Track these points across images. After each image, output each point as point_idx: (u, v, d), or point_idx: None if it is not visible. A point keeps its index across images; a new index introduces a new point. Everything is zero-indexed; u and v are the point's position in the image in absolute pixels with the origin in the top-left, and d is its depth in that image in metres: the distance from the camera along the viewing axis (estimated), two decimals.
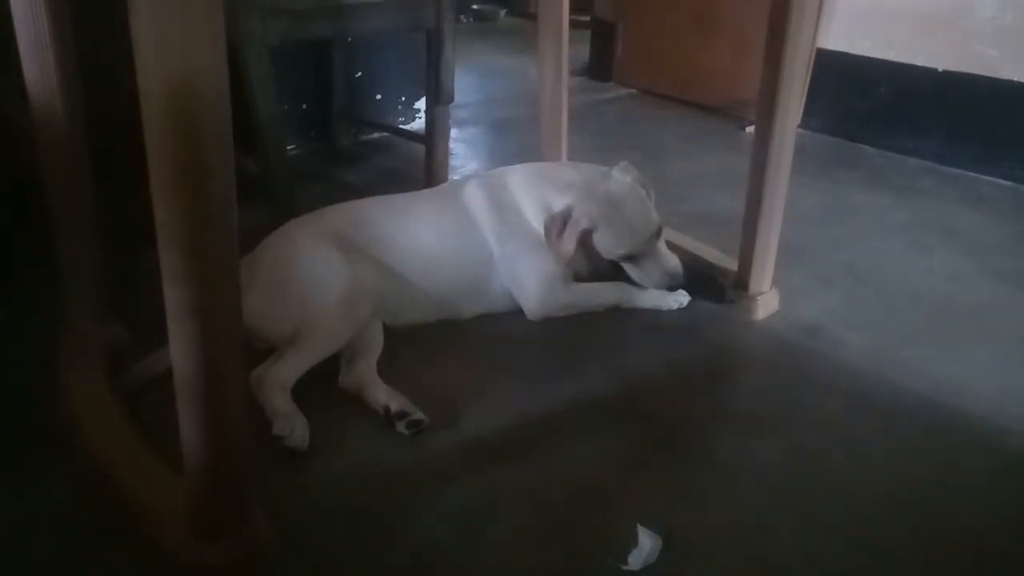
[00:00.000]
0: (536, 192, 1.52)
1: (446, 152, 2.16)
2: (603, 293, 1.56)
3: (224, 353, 0.81)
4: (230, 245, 0.77)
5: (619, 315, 1.57)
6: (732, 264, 1.59)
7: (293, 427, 1.14)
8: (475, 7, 5.14)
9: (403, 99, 2.69)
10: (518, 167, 1.61)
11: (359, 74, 2.50)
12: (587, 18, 3.64)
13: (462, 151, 2.57)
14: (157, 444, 1.05)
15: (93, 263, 1.23)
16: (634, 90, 3.45)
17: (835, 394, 1.35)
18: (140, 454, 1.05)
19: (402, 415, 1.20)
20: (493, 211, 1.50)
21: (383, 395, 1.24)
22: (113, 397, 1.16)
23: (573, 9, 1.83)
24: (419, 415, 1.20)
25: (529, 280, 1.49)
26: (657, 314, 1.58)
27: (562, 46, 1.86)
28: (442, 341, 1.47)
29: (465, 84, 3.13)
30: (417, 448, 1.18)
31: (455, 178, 2.14)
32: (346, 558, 0.98)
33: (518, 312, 1.53)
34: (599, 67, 3.60)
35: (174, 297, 0.76)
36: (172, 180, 0.70)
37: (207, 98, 0.68)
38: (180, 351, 0.79)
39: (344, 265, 1.35)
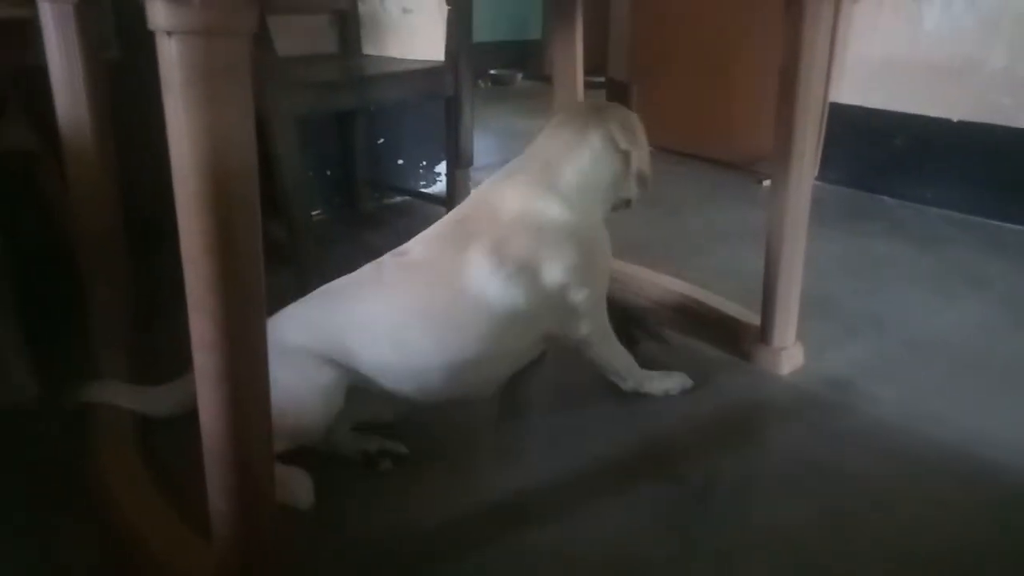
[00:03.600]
0: None
1: None
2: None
3: (251, 420, 0.82)
4: (258, 312, 0.79)
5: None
6: (755, 319, 1.59)
7: (291, 490, 1.12)
8: (492, 72, 5.30)
9: (424, 163, 2.76)
10: None
11: (381, 140, 2.57)
12: (601, 79, 3.73)
13: None
14: (187, 509, 1.05)
15: (125, 331, 1.27)
16: (651, 148, 3.50)
17: (866, 450, 1.32)
18: (169, 520, 1.05)
19: (383, 453, 1.20)
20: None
21: (353, 442, 1.24)
22: (143, 463, 1.17)
23: (587, 71, 1.89)
24: (400, 448, 1.21)
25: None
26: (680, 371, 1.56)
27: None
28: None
29: (484, 146, 3.20)
30: (443, 510, 1.17)
31: None
32: None
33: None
34: None
35: (203, 364, 0.78)
36: (200, 249, 0.73)
37: (236, 173, 0.72)
38: (209, 416, 0.80)
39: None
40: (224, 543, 0.86)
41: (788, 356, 1.55)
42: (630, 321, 1.72)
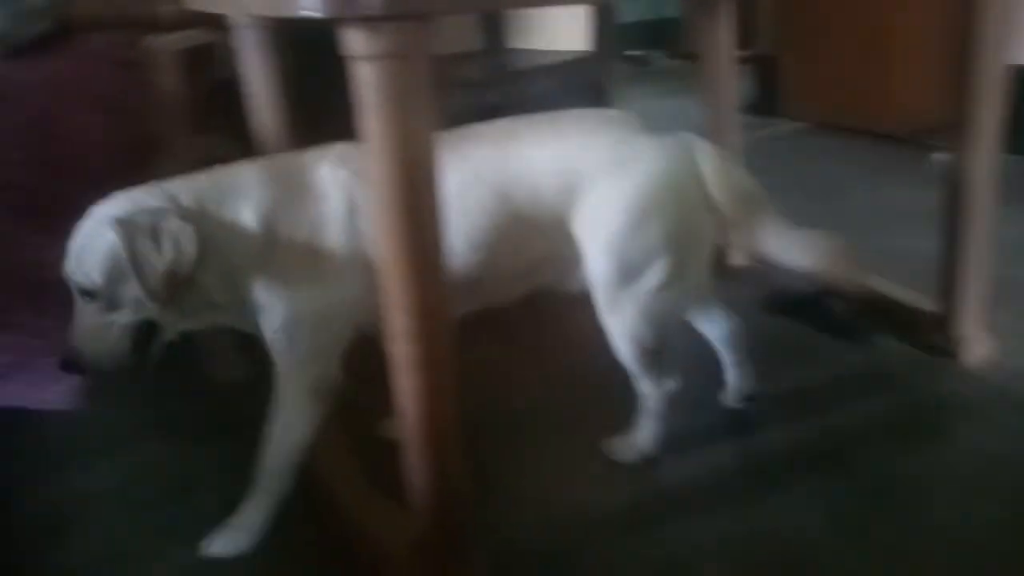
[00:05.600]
0: None
1: None
2: None
3: (443, 403, 0.89)
4: (444, 307, 0.86)
5: (808, 360, 1.51)
6: (929, 305, 1.49)
7: None
8: (632, 52, 5.23)
9: None
10: None
11: None
12: (746, 53, 3.58)
13: None
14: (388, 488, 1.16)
15: None
16: (804, 124, 3.33)
17: None
18: (368, 492, 1.16)
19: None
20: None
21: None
22: (341, 439, 1.29)
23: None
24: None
25: None
26: (854, 361, 1.49)
27: (726, 84, 1.86)
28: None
29: None
30: (619, 495, 1.21)
31: None
32: None
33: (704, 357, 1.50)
34: (763, 103, 3.52)
35: (399, 353, 0.86)
36: (395, 251, 0.81)
37: (422, 181, 0.79)
38: (405, 402, 0.88)
39: None
40: (421, 514, 0.94)
41: (972, 346, 1.44)
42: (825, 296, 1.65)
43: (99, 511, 1.25)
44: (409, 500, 0.95)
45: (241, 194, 1.04)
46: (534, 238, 1.10)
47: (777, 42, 3.37)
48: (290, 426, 1.11)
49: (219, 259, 1.03)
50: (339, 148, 1.10)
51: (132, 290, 0.98)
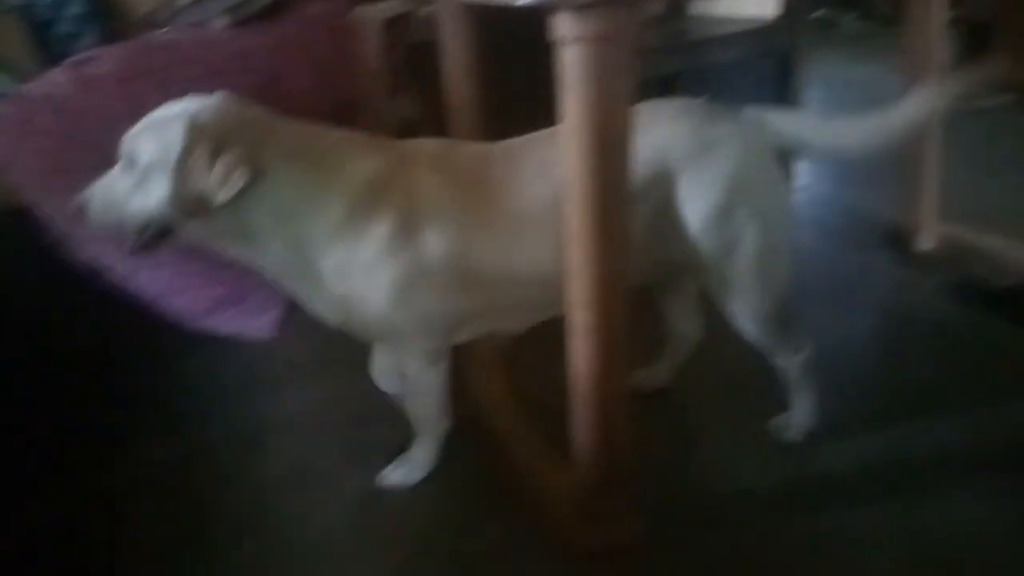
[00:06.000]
0: None
1: (792, 172, 2.13)
2: None
3: (614, 366, 0.95)
4: (621, 279, 0.90)
5: (996, 356, 1.43)
6: None
7: None
8: (818, 14, 4.88)
9: None
10: None
11: (704, 97, 2.56)
12: (953, 15, 3.24)
13: (810, 170, 2.48)
14: (544, 433, 1.25)
15: None
16: (1011, 96, 2.98)
17: None
18: (533, 442, 1.26)
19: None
20: None
21: None
22: (508, 391, 1.39)
23: None
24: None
25: None
26: None
27: (933, 51, 1.73)
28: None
29: (808, 98, 3.01)
30: (776, 473, 1.22)
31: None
32: (703, 564, 1.07)
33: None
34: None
35: (577, 319, 0.92)
36: (581, 224, 0.86)
37: (616, 159, 0.83)
38: (579, 361, 0.95)
39: None
40: (583, 467, 1.02)
41: None
42: None
43: (289, 433, 1.42)
44: (575, 455, 1.02)
45: (343, 170, 1.05)
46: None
47: (989, 4, 3.02)
48: (416, 384, 1.21)
49: (287, 212, 1.03)
50: (435, 147, 1.13)
51: (162, 187, 0.98)
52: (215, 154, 0.96)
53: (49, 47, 1.79)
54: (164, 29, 1.44)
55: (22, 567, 1.16)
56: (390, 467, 1.28)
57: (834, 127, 1.15)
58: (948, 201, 1.87)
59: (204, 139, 0.97)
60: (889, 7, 4.46)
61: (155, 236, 1.04)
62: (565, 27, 0.75)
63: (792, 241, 1.15)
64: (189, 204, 0.98)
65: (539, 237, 1.08)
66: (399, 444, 1.28)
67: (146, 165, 0.99)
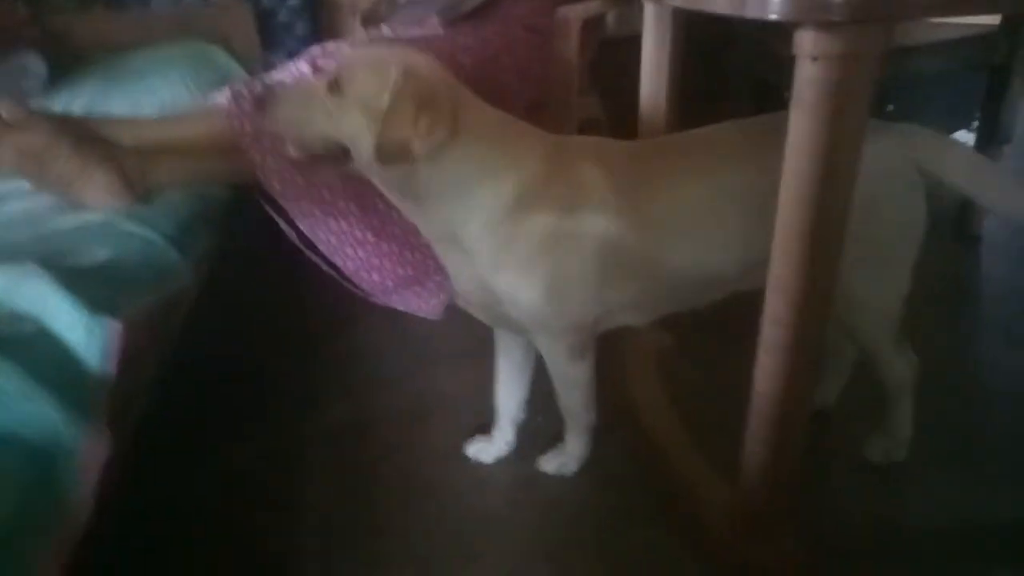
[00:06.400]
0: None
1: None
2: None
3: (800, 387, 0.93)
4: (827, 300, 0.88)
5: None
6: None
7: None
8: None
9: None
10: None
11: (890, 107, 2.42)
12: None
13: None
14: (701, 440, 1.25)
15: None
16: None
17: None
18: (689, 448, 1.26)
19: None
20: None
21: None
22: (665, 394, 1.40)
23: None
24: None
25: None
26: None
27: None
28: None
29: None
30: (932, 516, 1.17)
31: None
32: None
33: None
34: None
35: (770, 335, 0.91)
36: (793, 239, 0.84)
37: (841, 182, 0.81)
38: (765, 377, 0.94)
39: None
40: (752, 484, 1.00)
41: None
42: None
43: (454, 411, 1.49)
44: (743, 471, 1.01)
45: (519, 158, 1.06)
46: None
47: None
48: (562, 379, 1.22)
49: (461, 184, 1.04)
50: (599, 141, 1.15)
51: (361, 122, 1.00)
52: (424, 106, 0.98)
53: (269, 35, 1.96)
54: (382, 25, 1.54)
55: (204, 511, 1.29)
56: (547, 455, 1.33)
57: (1007, 184, 1.08)
58: None
59: (417, 89, 0.99)
60: None
61: (325, 160, 1.07)
62: (809, 43, 0.74)
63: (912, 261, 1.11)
64: (386, 148, 0.99)
65: (693, 235, 1.11)
66: (559, 433, 1.31)
67: (355, 96, 1.00)
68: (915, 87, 2.21)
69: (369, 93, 1.00)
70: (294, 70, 1.38)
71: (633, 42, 1.33)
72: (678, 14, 1.24)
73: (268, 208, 1.36)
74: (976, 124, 2.03)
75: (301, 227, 1.37)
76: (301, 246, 1.39)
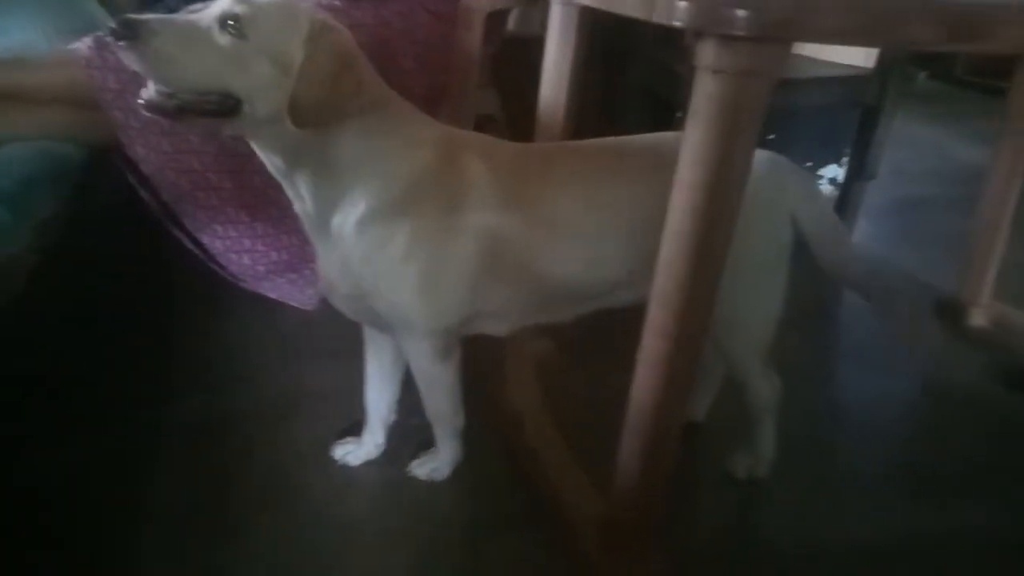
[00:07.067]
0: None
1: (852, 227, 2.10)
2: None
3: (676, 400, 0.93)
4: (706, 313, 0.89)
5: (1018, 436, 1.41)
6: None
7: None
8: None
9: (810, 164, 2.67)
10: None
11: (771, 136, 2.54)
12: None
13: (866, 227, 2.44)
14: (576, 451, 1.24)
15: None
16: None
17: None
18: (566, 457, 1.24)
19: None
20: None
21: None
22: (545, 401, 1.38)
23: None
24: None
25: None
26: None
27: None
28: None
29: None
30: (791, 532, 1.21)
31: None
32: None
33: None
34: None
35: (650, 347, 0.91)
36: (678, 252, 0.84)
37: (728, 196, 0.81)
38: (641, 390, 0.93)
39: None
40: (624, 497, 1.00)
41: None
42: None
43: (320, 410, 1.40)
44: (615, 482, 1.00)
45: (412, 147, 1.01)
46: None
47: None
48: (426, 380, 1.16)
49: (351, 162, 0.98)
50: (487, 139, 1.12)
51: (269, 72, 0.89)
52: (347, 64, 0.92)
53: None
54: None
55: (36, 515, 1.15)
56: (418, 460, 1.27)
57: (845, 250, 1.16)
58: (1005, 280, 1.85)
59: (338, 44, 0.91)
60: (968, 72, 4.40)
61: (212, 112, 0.90)
62: (710, 55, 0.74)
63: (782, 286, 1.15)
64: (305, 106, 0.90)
65: (568, 244, 1.09)
66: (430, 437, 1.26)
67: (260, 42, 0.88)
68: (793, 120, 2.34)
69: (278, 41, 0.89)
70: None
71: (537, 43, 1.31)
72: (584, 18, 1.23)
73: (129, 175, 1.24)
74: (846, 160, 2.17)
75: (165, 198, 1.25)
76: (164, 220, 1.27)
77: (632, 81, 2.12)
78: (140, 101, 0.90)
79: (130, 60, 0.85)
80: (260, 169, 1.02)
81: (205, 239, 1.29)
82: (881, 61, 1.85)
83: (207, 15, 0.89)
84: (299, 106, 0.90)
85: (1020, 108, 1.71)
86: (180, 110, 0.90)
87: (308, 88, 0.89)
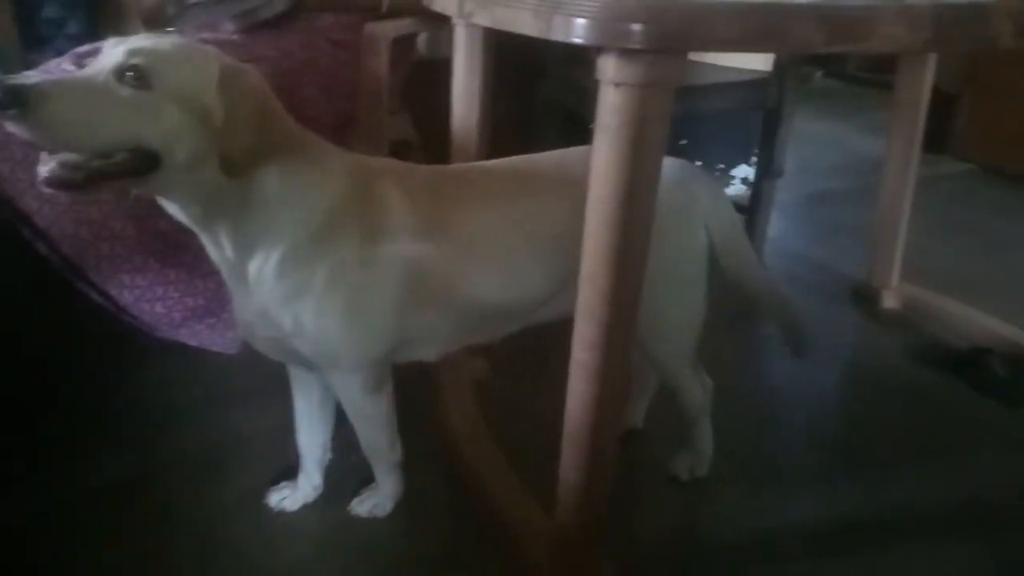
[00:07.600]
0: None
1: (766, 224, 2.18)
2: None
3: (610, 412, 0.94)
4: (632, 325, 0.90)
5: (957, 418, 1.48)
6: None
7: None
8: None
9: (722, 167, 2.76)
10: None
11: (683, 142, 2.62)
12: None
13: (779, 223, 2.54)
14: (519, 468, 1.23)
15: None
16: (973, 165, 3.14)
17: None
18: (509, 477, 1.23)
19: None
20: None
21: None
22: (483, 422, 1.37)
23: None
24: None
25: None
26: (1008, 423, 1.43)
27: (918, 116, 1.81)
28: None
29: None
30: (747, 519, 1.24)
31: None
32: None
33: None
34: (932, 139, 3.32)
35: (581, 360, 0.91)
36: (599, 264, 0.85)
37: (641, 204, 0.82)
38: (576, 404, 0.93)
39: None
40: (569, 510, 0.99)
41: None
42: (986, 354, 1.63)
43: (249, 456, 1.35)
44: (559, 498, 1.00)
45: (325, 181, 0.98)
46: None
47: (958, 78, 3.17)
48: (358, 414, 1.14)
49: (265, 203, 0.94)
50: (401, 165, 1.11)
51: (181, 123, 0.85)
52: (265, 107, 0.90)
53: (34, 31, 1.71)
54: (169, 29, 1.39)
55: None
56: (359, 498, 1.24)
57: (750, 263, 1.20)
58: (912, 263, 1.95)
59: (252, 86, 0.89)
60: (860, 68, 4.64)
61: (126, 172, 0.85)
62: (611, 69, 0.75)
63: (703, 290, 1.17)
64: (235, 154, 0.87)
65: (489, 264, 1.09)
66: (368, 473, 1.23)
67: (168, 91, 0.84)
68: (702, 125, 2.42)
69: (188, 87, 0.85)
70: (56, 70, 1.20)
71: (448, 66, 1.30)
72: (488, 39, 1.24)
73: (22, 228, 1.16)
74: (754, 160, 2.26)
75: (65, 251, 1.18)
76: (67, 274, 1.20)
77: (545, 97, 2.15)
78: (40, 178, 0.83)
79: (22, 131, 0.78)
80: (165, 212, 0.98)
81: (113, 291, 1.22)
82: (778, 64, 1.92)
83: (99, 69, 0.84)
84: (231, 157, 0.88)
85: (905, 100, 1.82)
86: (89, 180, 0.83)
87: (235, 138, 0.87)
